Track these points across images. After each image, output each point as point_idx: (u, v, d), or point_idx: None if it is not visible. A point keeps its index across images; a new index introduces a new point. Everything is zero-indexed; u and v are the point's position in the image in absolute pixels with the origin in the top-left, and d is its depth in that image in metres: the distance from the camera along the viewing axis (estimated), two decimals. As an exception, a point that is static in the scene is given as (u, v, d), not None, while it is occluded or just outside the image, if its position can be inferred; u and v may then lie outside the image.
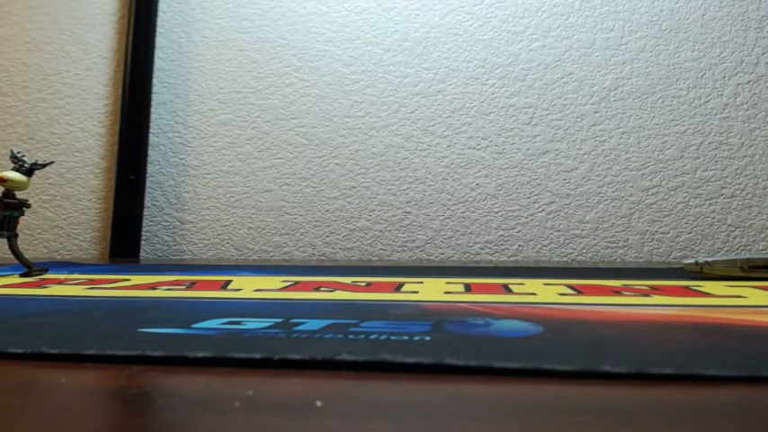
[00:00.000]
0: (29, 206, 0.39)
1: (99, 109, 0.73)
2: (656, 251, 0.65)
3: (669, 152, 0.66)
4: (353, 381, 0.13)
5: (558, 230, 0.66)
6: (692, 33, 0.68)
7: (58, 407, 0.11)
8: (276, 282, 0.34)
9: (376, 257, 0.68)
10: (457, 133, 0.69)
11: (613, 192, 0.66)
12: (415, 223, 0.68)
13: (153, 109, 0.72)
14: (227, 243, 0.70)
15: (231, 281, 0.34)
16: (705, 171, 0.66)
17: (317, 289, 0.30)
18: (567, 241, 0.66)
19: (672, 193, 0.66)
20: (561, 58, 0.69)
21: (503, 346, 0.16)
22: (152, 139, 0.72)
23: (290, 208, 0.70)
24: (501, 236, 0.67)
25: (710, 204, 0.65)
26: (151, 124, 0.72)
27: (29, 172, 0.39)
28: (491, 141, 0.69)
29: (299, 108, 0.71)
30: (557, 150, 0.68)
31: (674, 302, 0.24)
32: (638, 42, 0.69)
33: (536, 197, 0.67)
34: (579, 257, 0.66)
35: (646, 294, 0.27)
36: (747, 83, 0.66)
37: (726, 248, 0.64)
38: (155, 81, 0.73)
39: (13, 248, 0.38)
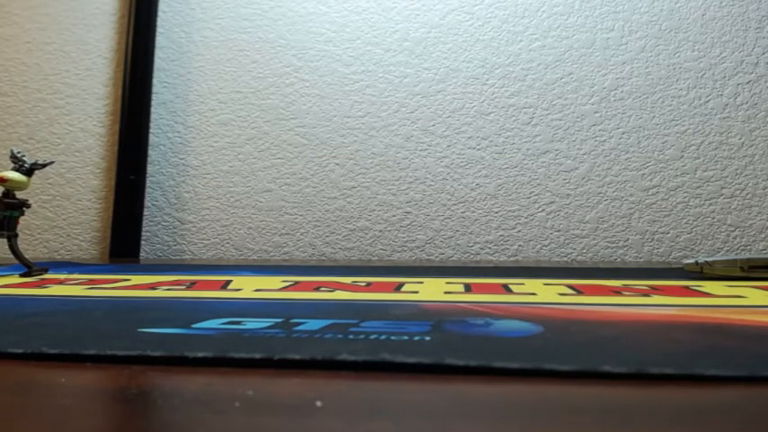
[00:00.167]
0: (29, 206, 0.39)
1: (99, 109, 0.73)
2: (656, 251, 0.65)
3: (669, 152, 0.66)
4: (353, 381, 0.13)
5: (558, 230, 0.66)
6: (692, 33, 0.68)
7: (57, 407, 0.11)
8: (276, 282, 0.34)
9: (376, 257, 0.68)
10: (457, 133, 0.69)
11: (613, 192, 0.66)
12: (415, 223, 0.68)
13: (153, 109, 0.72)
14: (227, 243, 0.70)
15: (231, 281, 0.34)
16: (705, 171, 0.66)
17: (317, 289, 0.30)
18: (567, 241, 0.66)
19: (672, 193, 0.66)
20: (561, 58, 0.69)
21: (503, 346, 0.16)
22: (152, 139, 0.72)
23: (290, 208, 0.70)
24: (501, 236, 0.67)
25: (710, 204, 0.65)
26: (151, 124, 0.72)
27: (29, 172, 0.39)
28: (491, 141, 0.69)
29: (299, 108, 0.71)
30: (557, 150, 0.68)
31: (674, 302, 0.24)
32: (638, 42, 0.69)
33: (536, 197, 0.67)
34: (579, 257, 0.66)
35: (646, 294, 0.27)
36: (747, 83, 0.66)
37: (726, 248, 0.64)
38: (155, 81, 0.73)
39: (13, 248, 0.38)
